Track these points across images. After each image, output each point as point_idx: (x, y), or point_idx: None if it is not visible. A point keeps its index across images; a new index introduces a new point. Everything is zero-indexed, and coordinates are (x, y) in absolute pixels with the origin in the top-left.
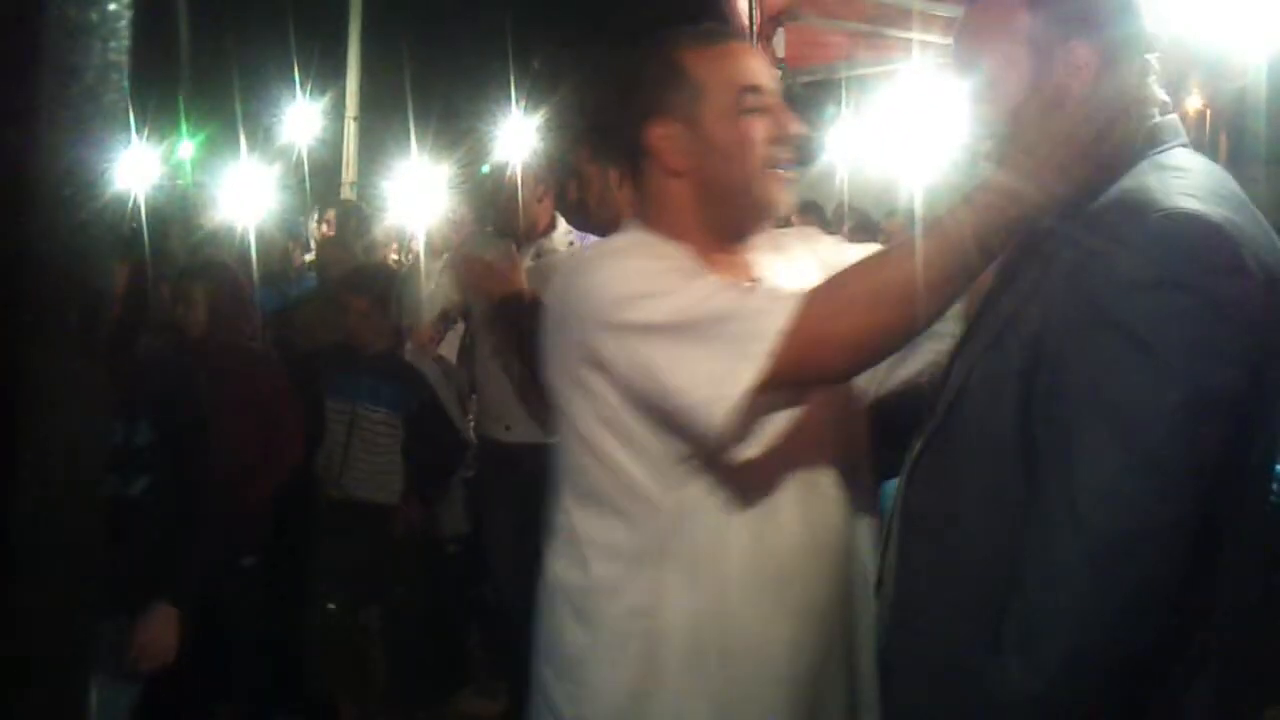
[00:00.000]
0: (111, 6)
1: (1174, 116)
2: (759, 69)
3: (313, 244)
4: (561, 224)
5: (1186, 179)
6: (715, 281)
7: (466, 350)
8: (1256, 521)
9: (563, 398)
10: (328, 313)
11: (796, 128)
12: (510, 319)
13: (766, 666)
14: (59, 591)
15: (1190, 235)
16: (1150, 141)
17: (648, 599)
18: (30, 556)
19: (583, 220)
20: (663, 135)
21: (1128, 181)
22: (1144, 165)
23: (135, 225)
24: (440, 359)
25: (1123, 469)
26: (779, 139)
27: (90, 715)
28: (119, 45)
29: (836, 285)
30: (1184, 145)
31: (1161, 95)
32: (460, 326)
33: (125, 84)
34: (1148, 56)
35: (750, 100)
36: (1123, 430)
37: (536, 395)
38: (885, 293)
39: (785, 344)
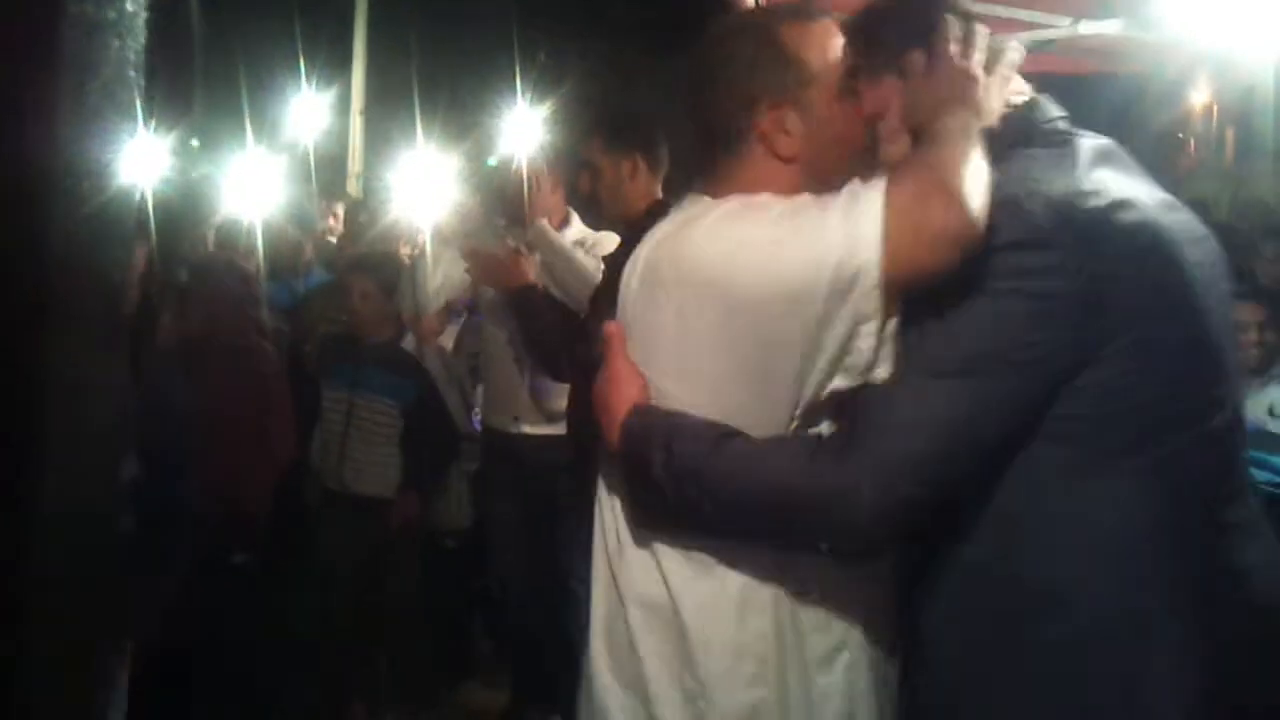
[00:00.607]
0: (129, 6)
1: (1020, 116)
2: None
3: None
4: (576, 221)
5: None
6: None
7: (465, 341)
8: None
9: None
10: (331, 302)
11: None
12: (520, 311)
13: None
14: (80, 575)
15: (1003, 216)
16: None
17: (766, 574)
18: (52, 539)
19: (595, 215)
20: (775, 120)
21: None
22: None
23: (144, 218)
24: (441, 351)
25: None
26: (870, 120)
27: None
28: (135, 43)
29: (902, 195)
30: (1020, 146)
31: (1013, 96)
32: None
33: (141, 80)
34: (992, 58)
35: (851, 81)
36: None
37: (545, 388)
38: (940, 176)
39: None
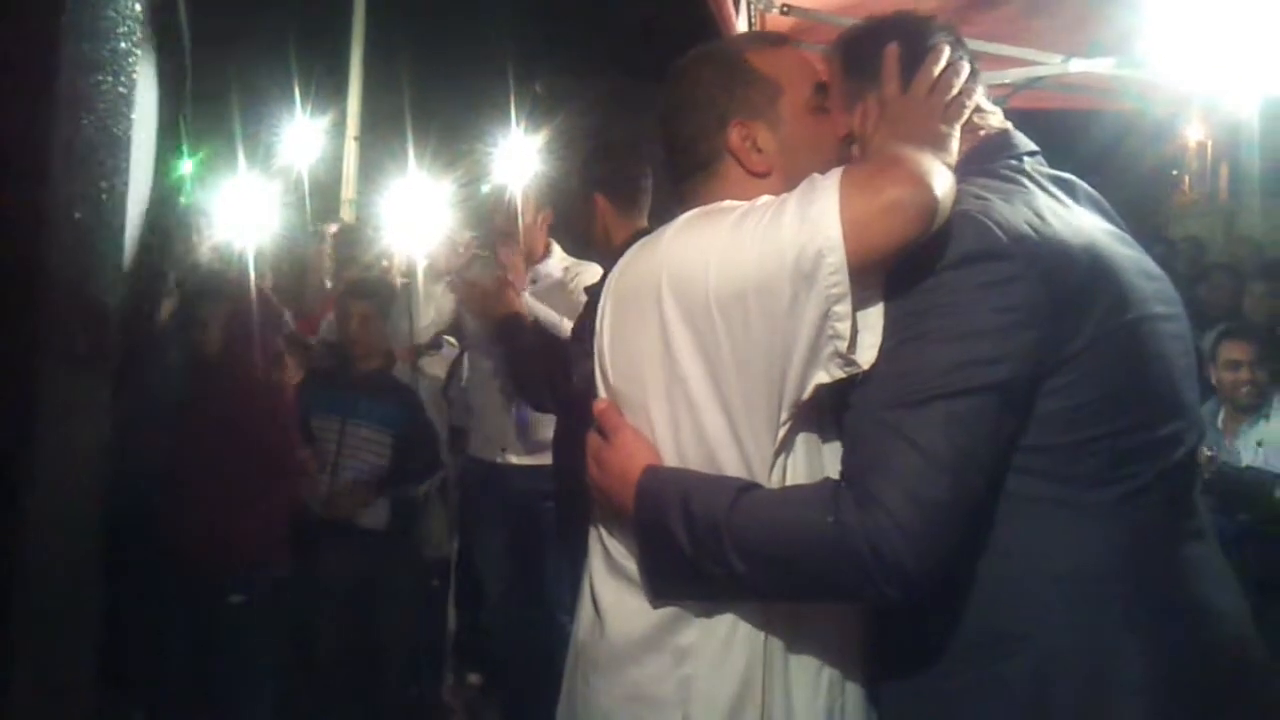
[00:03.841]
0: (122, 45)
1: (989, 145)
2: (818, 68)
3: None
4: (556, 250)
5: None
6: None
7: (456, 371)
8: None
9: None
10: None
11: (850, 125)
12: (504, 340)
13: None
14: (63, 599)
15: (962, 229)
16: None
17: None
18: (37, 565)
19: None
20: (745, 136)
21: None
22: None
23: (146, 243)
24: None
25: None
26: (844, 138)
27: None
28: (127, 80)
29: (855, 173)
30: (980, 173)
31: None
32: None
33: (133, 115)
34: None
35: (820, 98)
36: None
37: (531, 419)
38: (894, 166)
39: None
